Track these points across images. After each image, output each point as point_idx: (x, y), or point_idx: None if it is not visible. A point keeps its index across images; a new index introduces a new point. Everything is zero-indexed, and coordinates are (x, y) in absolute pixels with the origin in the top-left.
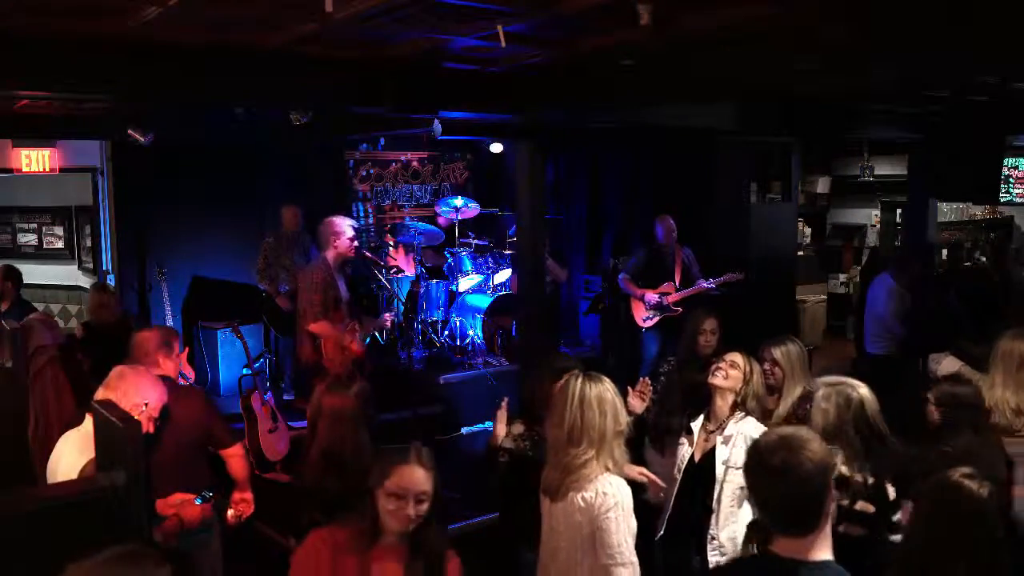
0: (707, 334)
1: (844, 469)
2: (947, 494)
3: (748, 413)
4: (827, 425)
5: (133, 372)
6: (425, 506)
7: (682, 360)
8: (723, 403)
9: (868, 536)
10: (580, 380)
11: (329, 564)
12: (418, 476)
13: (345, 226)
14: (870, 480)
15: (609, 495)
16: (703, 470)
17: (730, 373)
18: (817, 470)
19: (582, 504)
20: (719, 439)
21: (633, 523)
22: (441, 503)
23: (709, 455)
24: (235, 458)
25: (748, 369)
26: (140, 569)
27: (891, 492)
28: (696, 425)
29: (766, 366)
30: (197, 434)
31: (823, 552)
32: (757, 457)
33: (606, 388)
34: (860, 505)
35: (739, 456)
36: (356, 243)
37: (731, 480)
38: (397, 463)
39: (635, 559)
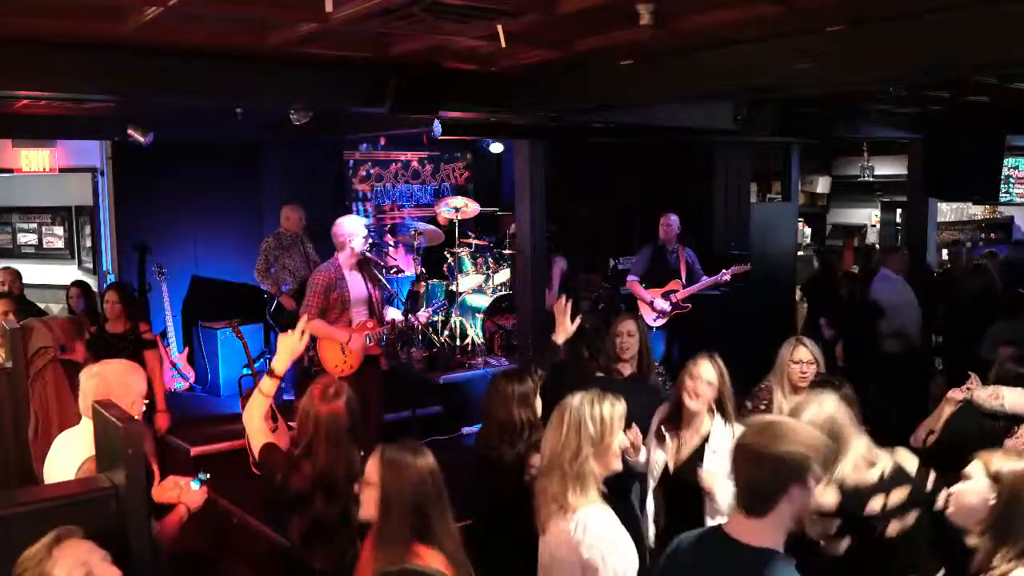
0: (624, 336)
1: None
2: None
3: (726, 414)
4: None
5: (126, 368)
6: (366, 495)
7: (609, 362)
8: (700, 412)
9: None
10: (571, 400)
11: None
12: (368, 467)
13: (349, 227)
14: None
15: (590, 531)
16: (684, 480)
17: (702, 392)
18: (785, 462)
19: (563, 536)
20: (708, 450)
21: (628, 564)
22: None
23: (687, 465)
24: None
25: (720, 374)
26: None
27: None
28: (666, 437)
29: (801, 367)
30: None
31: (769, 542)
32: (742, 438)
33: (569, 403)
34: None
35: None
36: (366, 240)
37: (724, 488)
38: None
39: None
